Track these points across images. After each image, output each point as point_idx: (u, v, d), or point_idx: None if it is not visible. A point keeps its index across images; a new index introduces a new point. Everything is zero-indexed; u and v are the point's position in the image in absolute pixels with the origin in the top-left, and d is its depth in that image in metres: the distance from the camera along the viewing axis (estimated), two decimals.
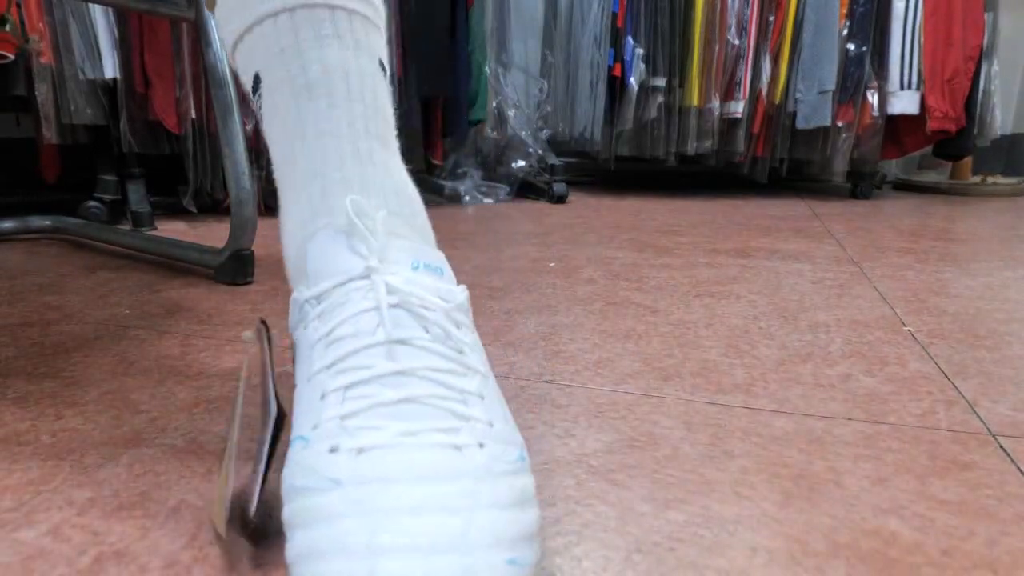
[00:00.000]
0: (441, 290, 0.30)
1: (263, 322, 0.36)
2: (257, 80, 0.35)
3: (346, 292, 0.29)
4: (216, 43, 0.77)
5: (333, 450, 0.25)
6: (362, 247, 0.30)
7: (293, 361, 0.33)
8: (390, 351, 0.27)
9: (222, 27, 0.36)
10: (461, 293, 0.31)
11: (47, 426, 0.41)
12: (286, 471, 0.26)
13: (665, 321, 0.64)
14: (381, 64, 0.36)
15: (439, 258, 0.32)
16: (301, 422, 0.27)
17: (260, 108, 0.35)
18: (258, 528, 0.30)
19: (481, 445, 0.25)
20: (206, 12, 0.78)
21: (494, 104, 1.70)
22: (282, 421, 0.31)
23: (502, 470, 0.25)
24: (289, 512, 0.25)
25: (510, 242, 1.08)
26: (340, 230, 0.31)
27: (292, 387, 0.31)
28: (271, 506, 0.31)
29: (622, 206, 1.57)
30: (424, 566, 0.21)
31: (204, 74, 1.24)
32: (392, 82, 1.42)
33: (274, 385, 0.32)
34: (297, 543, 0.24)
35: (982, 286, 0.79)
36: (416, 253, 0.31)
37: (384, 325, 0.28)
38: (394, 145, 0.35)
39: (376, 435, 0.25)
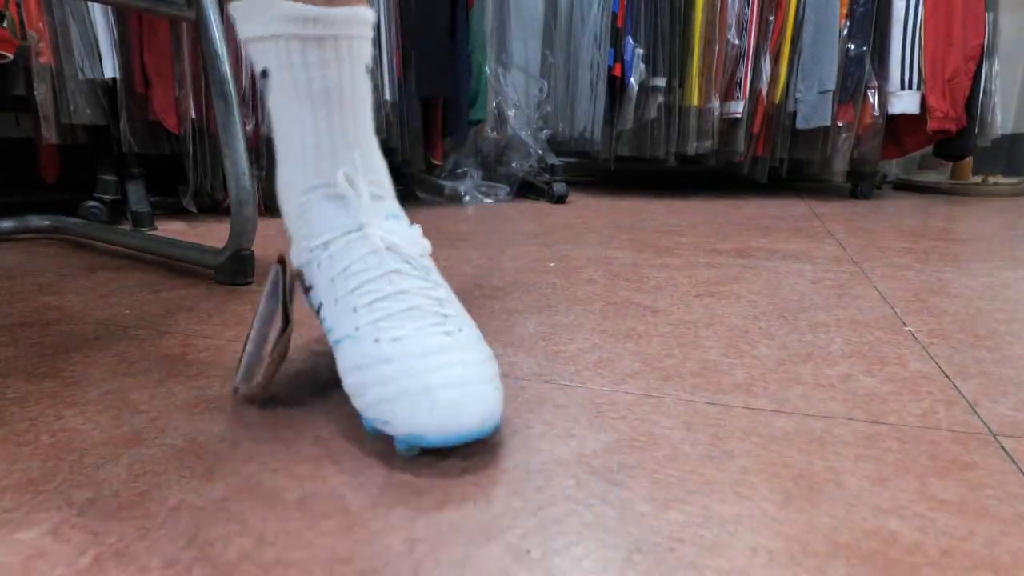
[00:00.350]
0: (406, 235, 0.43)
1: (281, 259, 0.46)
2: (266, 72, 0.43)
3: (347, 241, 0.42)
4: (216, 44, 0.77)
5: (376, 341, 0.39)
6: (353, 208, 0.43)
7: (302, 283, 0.45)
8: (390, 279, 0.41)
9: (239, 21, 0.43)
10: (419, 236, 0.44)
11: (47, 426, 0.41)
12: (343, 359, 0.40)
13: (665, 321, 0.64)
14: (367, 67, 0.45)
15: (397, 207, 0.45)
16: (341, 328, 0.40)
17: (267, 91, 0.44)
18: (262, 387, 0.42)
19: (460, 329, 0.40)
20: (206, 12, 0.78)
21: (494, 104, 1.70)
22: (287, 325, 0.42)
23: (476, 340, 0.41)
24: (354, 382, 0.39)
25: (510, 242, 1.08)
26: (335, 195, 0.43)
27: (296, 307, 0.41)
28: (269, 376, 0.42)
29: (622, 206, 1.57)
30: (460, 391, 0.36)
31: (204, 74, 1.24)
32: (392, 82, 1.42)
33: (285, 300, 0.43)
34: (369, 398, 0.37)
35: (982, 286, 0.79)
36: (385, 208, 0.44)
37: (384, 263, 0.41)
38: (370, 128, 0.46)
39: (401, 330, 0.39)
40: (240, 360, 0.44)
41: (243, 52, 0.48)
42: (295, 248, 0.45)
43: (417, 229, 0.45)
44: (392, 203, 0.45)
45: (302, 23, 0.40)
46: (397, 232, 0.43)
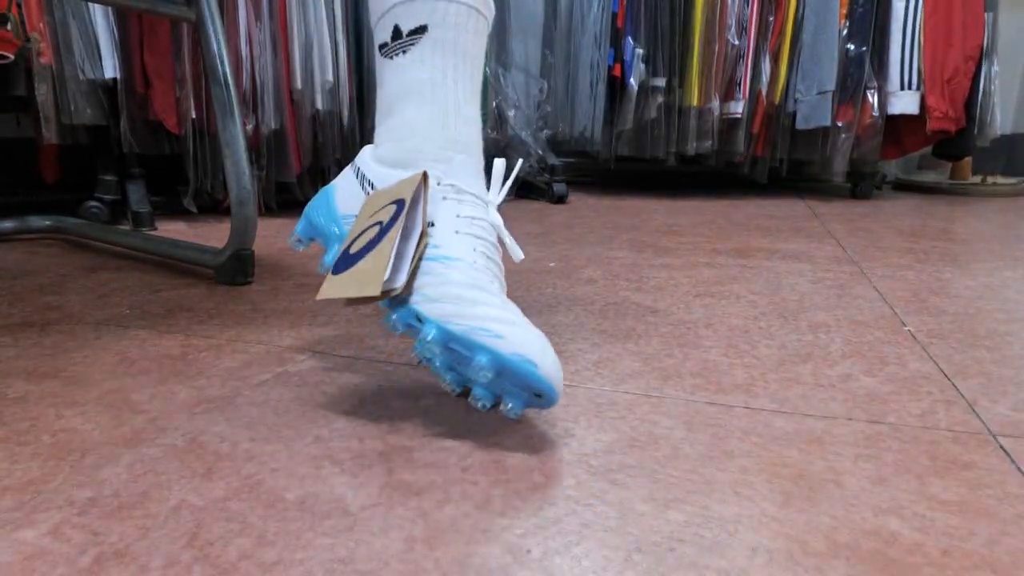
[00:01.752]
0: (488, 214, 0.49)
1: (425, 175, 0.47)
2: (422, 28, 0.48)
3: (475, 206, 0.47)
4: (216, 44, 0.77)
5: (491, 281, 0.44)
6: (484, 182, 0.50)
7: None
8: (493, 257, 0.46)
9: None
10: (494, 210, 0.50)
11: (47, 426, 0.41)
12: (457, 273, 0.43)
13: (665, 321, 0.64)
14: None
15: (481, 185, 0.50)
16: (458, 251, 0.45)
17: (406, 47, 0.49)
18: (407, 285, 0.43)
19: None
20: (206, 13, 0.78)
21: (494, 104, 1.70)
22: (422, 236, 0.45)
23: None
24: (472, 296, 0.42)
25: None
26: (472, 164, 0.50)
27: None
28: (412, 274, 0.44)
29: (622, 206, 1.57)
30: (525, 331, 0.40)
31: (204, 74, 1.24)
32: None
33: (424, 212, 0.46)
34: (482, 311, 0.40)
35: (982, 286, 0.79)
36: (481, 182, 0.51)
37: (492, 247, 0.47)
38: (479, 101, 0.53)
39: (493, 286, 0.44)
40: (385, 264, 0.43)
41: (376, 23, 0.51)
42: (423, 160, 0.49)
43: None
44: (480, 183, 0.51)
45: None
46: (499, 224, 0.49)
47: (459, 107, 0.49)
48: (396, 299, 0.44)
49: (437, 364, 0.42)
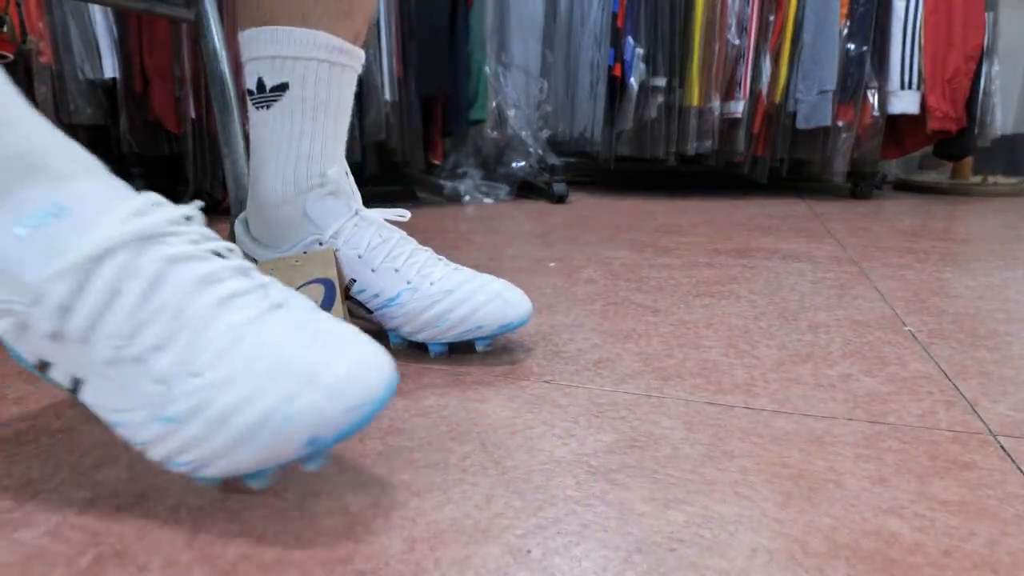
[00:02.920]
0: (382, 214, 0.55)
1: (334, 253, 0.52)
2: (284, 85, 0.50)
3: (354, 225, 0.52)
4: (215, 44, 0.77)
5: (432, 283, 0.51)
6: (347, 199, 0.53)
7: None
8: (404, 241, 0.54)
9: (261, 42, 0.49)
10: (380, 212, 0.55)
11: (47, 426, 0.41)
12: (409, 305, 0.51)
13: (665, 321, 0.64)
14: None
15: (350, 206, 0.54)
16: (392, 287, 0.51)
17: (271, 102, 0.51)
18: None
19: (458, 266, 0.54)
20: (205, 13, 0.77)
21: (494, 104, 1.70)
22: (345, 292, 0.52)
23: None
24: (430, 317, 0.51)
25: (510, 242, 1.08)
26: (330, 192, 0.52)
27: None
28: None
29: (622, 206, 1.57)
30: (513, 292, 0.52)
31: (204, 74, 1.24)
32: (392, 82, 1.42)
33: (341, 285, 0.52)
34: (452, 319, 0.50)
35: (982, 286, 0.79)
36: (358, 198, 0.55)
37: (391, 232, 0.53)
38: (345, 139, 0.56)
39: (438, 270, 0.52)
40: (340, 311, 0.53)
41: (244, 64, 0.52)
42: (286, 239, 0.53)
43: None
44: (358, 194, 0.57)
45: (336, 52, 0.50)
46: (376, 211, 0.55)
47: (316, 155, 0.52)
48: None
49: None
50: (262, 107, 0.51)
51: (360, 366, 0.29)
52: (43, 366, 0.30)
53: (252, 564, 0.28)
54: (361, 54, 0.53)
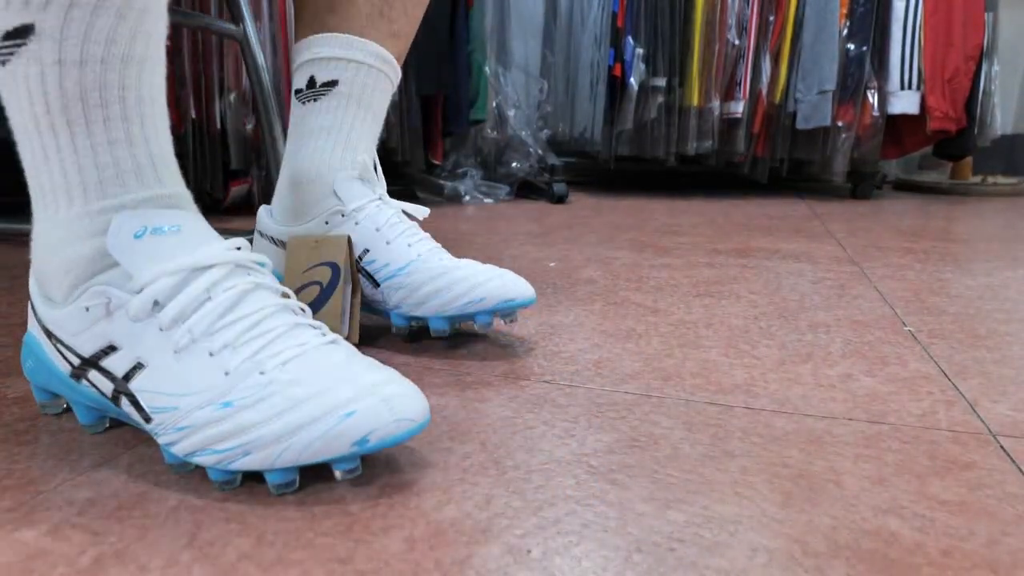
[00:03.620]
0: (405, 205, 0.60)
1: (349, 240, 0.54)
2: (333, 82, 0.56)
3: (377, 206, 0.57)
4: (260, 58, 0.93)
5: (440, 260, 0.55)
6: (372, 184, 0.58)
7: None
8: (415, 229, 0.58)
9: (316, 45, 0.55)
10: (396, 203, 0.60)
11: (47, 426, 0.41)
12: (415, 275, 0.54)
13: (665, 321, 0.64)
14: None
15: (372, 187, 0.59)
16: (402, 258, 0.55)
17: (318, 96, 0.56)
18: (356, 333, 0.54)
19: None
20: (250, 33, 0.87)
21: (494, 104, 1.70)
22: (355, 291, 0.55)
23: None
24: (436, 287, 0.53)
25: (510, 242, 1.08)
26: (358, 176, 0.57)
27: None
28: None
29: (622, 206, 1.57)
30: (515, 279, 0.54)
31: (204, 75, 1.24)
32: None
33: (353, 270, 0.54)
34: (456, 291, 0.53)
35: (982, 286, 0.79)
36: (383, 187, 0.59)
37: (404, 219, 0.58)
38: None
39: (447, 258, 0.56)
40: (339, 320, 0.54)
41: (295, 69, 0.59)
42: (326, 210, 0.57)
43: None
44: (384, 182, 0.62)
45: (382, 61, 0.57)
46: (397, 202, 0.59)
47: (352, 144, 0.57)
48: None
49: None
50: (309, 100, 0.57)
51: (409, 391, 0.34)
52: (99, 356, 0.36)
53: (252, 564, 0.28)
54: (399, 71, 0.59)
